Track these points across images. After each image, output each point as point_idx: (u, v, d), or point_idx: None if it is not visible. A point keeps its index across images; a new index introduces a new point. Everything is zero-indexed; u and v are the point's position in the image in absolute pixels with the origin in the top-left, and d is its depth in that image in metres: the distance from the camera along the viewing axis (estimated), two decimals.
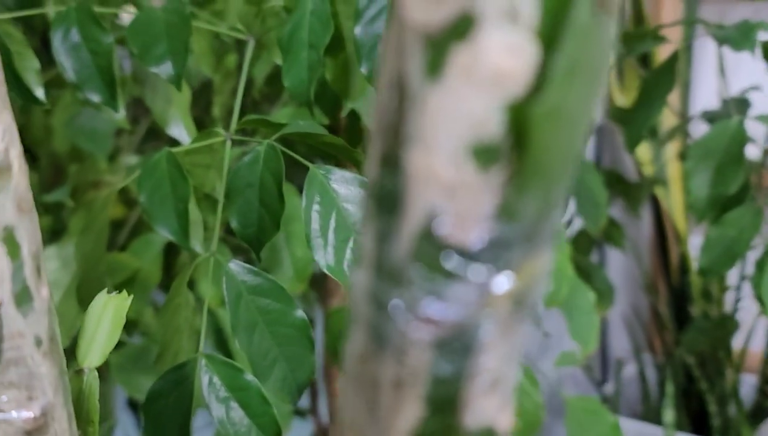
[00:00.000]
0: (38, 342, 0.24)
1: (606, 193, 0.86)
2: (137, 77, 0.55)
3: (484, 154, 0.15)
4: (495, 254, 0.16)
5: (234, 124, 0.48)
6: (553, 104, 0.14)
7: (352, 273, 0.17)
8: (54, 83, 0.71)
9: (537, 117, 0.14)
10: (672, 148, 1.09)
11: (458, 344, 0.16)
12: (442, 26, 0.15)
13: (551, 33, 0.14)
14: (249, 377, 0.41)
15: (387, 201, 0.16)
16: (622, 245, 1.03)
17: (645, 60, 1.10)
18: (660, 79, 0.71)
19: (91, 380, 0.28)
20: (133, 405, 0.81)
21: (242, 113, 0.49)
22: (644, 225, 1.26)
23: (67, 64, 0.48)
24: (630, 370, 1.21)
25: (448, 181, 0.15)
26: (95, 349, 0.28)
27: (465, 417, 0.17)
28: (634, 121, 0.73)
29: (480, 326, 0.16)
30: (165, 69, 0.49)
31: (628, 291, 1.30)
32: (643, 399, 1.15)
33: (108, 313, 0.28)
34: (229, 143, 0.47)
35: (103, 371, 0.73)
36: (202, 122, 0.66)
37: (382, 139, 0.16)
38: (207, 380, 0.41)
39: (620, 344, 1.28)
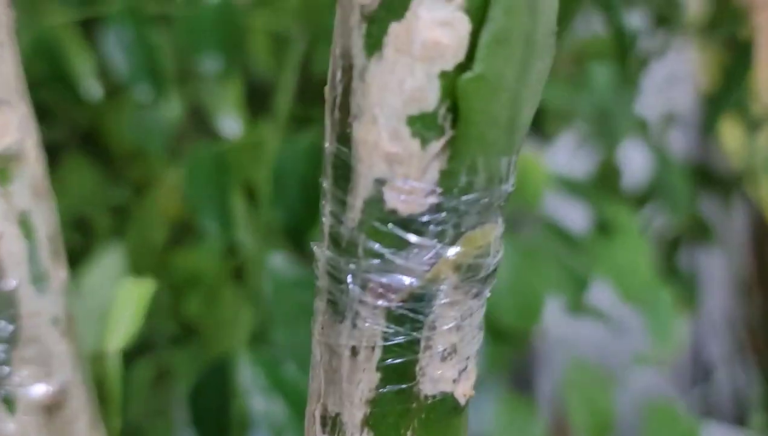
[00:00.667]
0: (55, 321, 0.26)
1: (688, 187, 0.85)
2: (193, 74, 0.58)
3: (423, 125, 0.16)
4: (442, 223, 0.17)
5: (281, 119, 0.50)
6: (483, 73, 0.15)
7: (315, 248, 0.18)
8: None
9: (468, 86, 0.15)
10: (765, 137, 1.06)
11: (410, 313, 0.17)
12: (380, 3, 0.16)
13: (479, 7, 0.15)
14: (290, 369, 0.43)
15: (339, 174, 0.17)
16: (712, 245, 1.01)
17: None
18: (738, 60, 0.70)
19: (113, 361, 0.30)
20: None
21: (301, 109, 0.51)
22: (740, 224, 1.23)
23: (119, 61, 0.51)
24: (722, 375, 1.18)
25: (391, 152, 0.16)
26: (118, 333, 0.30)
27: (421, 385, 0.18)
28: (712, 106, 0.73)
29: (431, 294, 0.17)
30: (214, 65, 0.51)
31: (724, 294, 1.27)
32: (735, 405, 1.13)
33: (131, 298, 0.30)
34: (276, 138, 0.49)
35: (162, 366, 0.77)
36: (261, 118, 0.68)
37: (334, 114, 0.17)
38: (248, 372, 0.43)
39: (715, 348, 1.26)
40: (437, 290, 0.17)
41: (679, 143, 1.28)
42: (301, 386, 0.42)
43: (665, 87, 1.01)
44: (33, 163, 0.25)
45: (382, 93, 0.16)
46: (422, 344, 0.18)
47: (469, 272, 0.17)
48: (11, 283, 0.25)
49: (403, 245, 0.17)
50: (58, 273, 0.26)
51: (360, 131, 0.17)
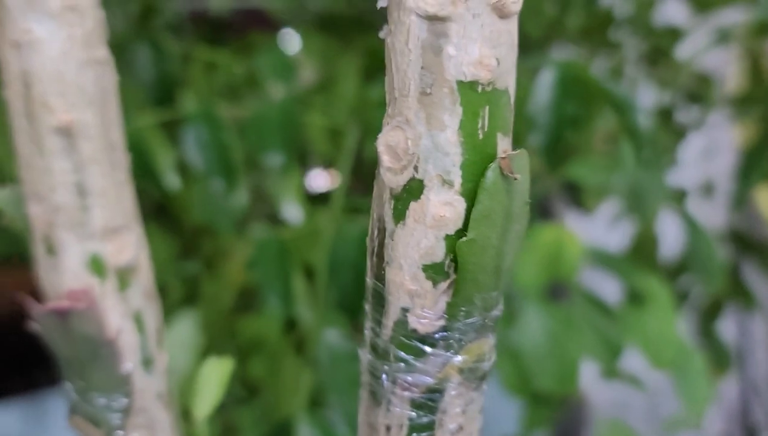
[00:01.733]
0: (159, 396, 0.34)
1: (718, 252, 0.90)
2: (259, 165, 0.66)
3: (434, 271, 0.23)
4: (449, 338, 0.24)
5: (336, 208, 0.57)
6: (474, 238, 0.22)
7: (359, 351, 0.26)
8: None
9: (464, 246, 0.23)
10: None
11: (428, 402, 0.24)
12: (402, 187, 0.23)
13: (471, 192, 0.22)
14: (343, 431, 0.50)
15: (377, 302, 0.24)
16: (753, 308, 1.06)
17: None
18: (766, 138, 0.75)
19: (201, 426, 0.37)
20: None
21: (353, 200, 0.59)
22: None
23: (195, 156, 0.60)
24: None
25: (412, 289, 0.23)
26: (204, 402, 0.37)
27: None
28: (743, 175, 0.78)
29: (443, 388, 0.24)
30: (277, 160, 0.59)
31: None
32: None
33: (214, 374, 0.38)
34: (332, 226, 0.57)
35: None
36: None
37: (373, 259, 0.24)
38: (307, 433, 0.50)
39: (760, 411, 1.29)
40: (447, 385, 0.24)
41: (720, 213, 1.33)
42: None
43: (705, 158, 1.07)
44: (145, 273, 0.33)
45: (405, 248, 0.23)
46: (437, 424, 0.25)
47: (470, 373, 0.24)
48: (128, 366, 0.33)
49: (421, 354, 0.24)
50: (161, 357, 0.34)
51: (390, 274, 0.24)
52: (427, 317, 0.24)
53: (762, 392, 1.23)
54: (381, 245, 0.24)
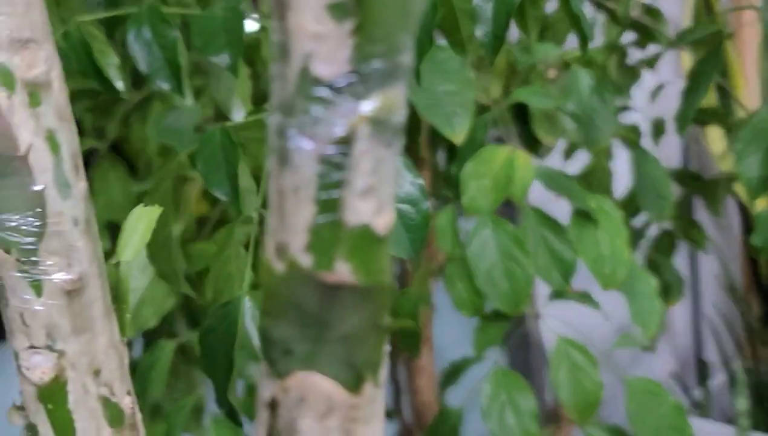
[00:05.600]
0: (75, 222, 0.31)
1: (668, 183, 0.89)
2: (202, 69, 0.64)
3: (337, 11, 0.21)
4: (356, 85, 0.22)
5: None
6: None
7: (268, 117, 0.24)
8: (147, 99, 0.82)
9: None
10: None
11: (336, 156, 0.22)
12: None
13: None
14: None
15: (280, 53, 0.22)
16: (703, 247, 1.05)
17: None
18: (706, 63, 0.74)
19: (125, 269, 0.35)
20: None
21: None
22: (734, 227, 1.26)
23: (140, 57, 0.57)
24: (721, 377, 1.21)
25: (315, 32, 0.21)
26: (130, 247, 0.35)
27: (346, 216, 0.23)
28: (684, 104, 0.77)
29: (351, 141, 0.22)
30: (223, 59, 0.57)
31: (722, 296, 1.30)
32: (732, 406, 1.15)
33: (142, 220, 0.36)
34: None
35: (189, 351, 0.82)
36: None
37: (276, 9, 0.22)
38: (250, 314, 0.48)
39: (714, 350, 1.29)
40: (356, 137, 0.22)
41: (673, 154, 1.32)
42: None
43: (657, 100, 1.06)
44: (57, 92, 0.31)
45: None
46: (346, 182, 0.23)
47: (380, 126, 0.22)
48: (39, 186, 0.30)
49: (327, 103, 0.22)
50: (79, 184, 0.32)
51: (291, 18, 0.22)
52: (331, 62, 0.22)
53: (713, 328, 1.23)
54: None
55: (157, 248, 0.61)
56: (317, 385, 0.24)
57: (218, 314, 0.48)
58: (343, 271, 0.23)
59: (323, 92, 0.22)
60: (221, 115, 0.78)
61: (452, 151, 0.83)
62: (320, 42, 0.21)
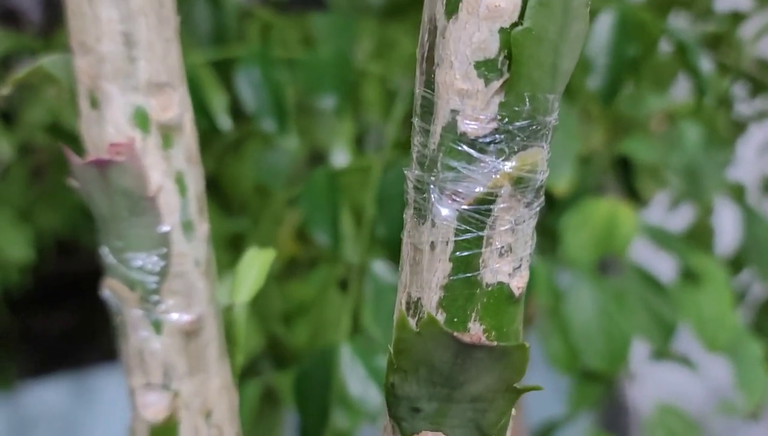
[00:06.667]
0: (197, 263, 0.32)
1: None
2: (306, 111, 0.65)
3: (486, 68, 0.22)
4: (501, 144, 0.22)
5: (386, 149, 0.56)
6: (530, 27, 0.21)
7: (405, 171, 0.24)
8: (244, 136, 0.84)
9: (519, 36, 0.21)
10: None
11: (476, 214, 0.23)
12: None
13: None
14: (383, 360, 0.48)
15: (425, 111, 0.23)
16: None
17: None
18: None
19: (238, 311, 0.36)
20: None
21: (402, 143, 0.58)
22: None
23: (247, 97, 0.59)
24: None
25: (463, 89, 0.22)
26: (244, 289, 0.36)
27: (483, 275, 0.23)
28: None
29: (492, 199, 0.22)
30: (328, 101, 0.58)
31: None
32: None
33: (256, 262, 0.36)
34: (380, 165, 0.55)
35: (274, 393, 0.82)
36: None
37: (422, 66, 0.23)
38: (348, 361, 0.48)
39: None
40: (497, 196, 0.22)
41: None
42: None
43: (764, 153, 1.04)
44: (189, 135, 0.32)
45: (457, 45, 0.22)
46: (485, 241, 0.23)
47: (521, 184, 0.23)
48: (166, 227, 0.31)
49: (471, 160, 0.22)
50: (202, 225, 0.33)
51: (440, 75, 0.22)
52: (477, 119, 0.22)
53: None
54: (431, 47, 0.23)
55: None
56: None
57: (315, 359, 0.49)
58: (476, 330, 0.23)
59: (468, 149, 0.22)
60: (317, 156, 0.79)
61: (551, 200, 0.83)
62: (467, 99, 0.22)
